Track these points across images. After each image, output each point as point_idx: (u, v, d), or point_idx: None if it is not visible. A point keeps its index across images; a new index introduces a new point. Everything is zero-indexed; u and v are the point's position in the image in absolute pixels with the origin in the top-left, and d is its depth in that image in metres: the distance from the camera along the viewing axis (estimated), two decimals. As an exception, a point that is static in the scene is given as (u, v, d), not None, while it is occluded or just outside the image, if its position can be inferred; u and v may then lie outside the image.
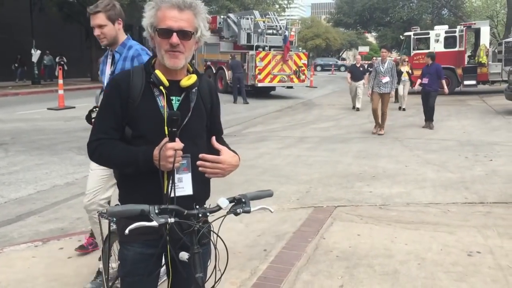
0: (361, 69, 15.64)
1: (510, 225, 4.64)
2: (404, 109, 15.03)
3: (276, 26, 21.25)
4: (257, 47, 19.96)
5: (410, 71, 16.18)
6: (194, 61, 22.62)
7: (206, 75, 23.10)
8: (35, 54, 23.02)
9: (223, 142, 2.07)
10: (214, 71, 21.73)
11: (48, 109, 14.66)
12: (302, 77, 20.39)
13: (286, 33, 19.85)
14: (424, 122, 11.46)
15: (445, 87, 11.47)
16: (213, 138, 1.92)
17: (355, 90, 15.42)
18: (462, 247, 4.10)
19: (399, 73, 14.55)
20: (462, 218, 4.87)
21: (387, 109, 10.48)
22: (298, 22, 26.63)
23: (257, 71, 19.13)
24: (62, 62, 25.05)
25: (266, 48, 20.08)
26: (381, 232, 4.49)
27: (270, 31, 20.91)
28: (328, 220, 4.84)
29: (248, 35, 20.61)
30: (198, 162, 1.85)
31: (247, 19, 20.81)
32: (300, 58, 20.35)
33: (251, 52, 19.53)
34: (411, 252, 4.01)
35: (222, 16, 23.41)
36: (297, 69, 19.92)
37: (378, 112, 10.44)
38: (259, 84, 19.38)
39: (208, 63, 22.25)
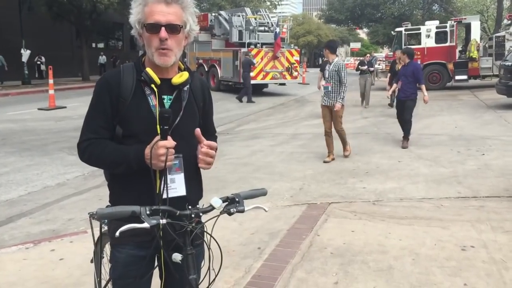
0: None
1: (503, 219, 4.65)
2: None
3: (268, 23, 21.20)
4: (249, 44, 19.90)
5: None
6: (186, 59, 22.52)
7: (198, 73, 22.87)
8: (25, 54, 22.80)
9: (214, 139, 2.04)
10: (206, 69, 21.64)
11: (39, 109, 14.53)
12: (295, 73, 20.39)
13: (277, 29, 19.82)
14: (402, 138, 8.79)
15: (426, 94, 8.59)
16: (198, 130, 1.84)
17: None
18: (455, 241, 4.10)
19: (397, 74, 13.62)
20: (455, 213, 4.88)
21: (340, 126, 7.63)
22: (290, 18, 26.54)
23: (241, 69, 19.03)
24: (38, 62, 24.70)
25: (258, 45, 20.02)
26: (375, 228, 4.49)
27: (262, 28, 20.85)
28: (322, 217, 4.83)
29: (240, 33, 20.52)
30: (203, 150, 1.82)
31: (239, 16, 20.73)
32: (292, 55, 20.33)
33: (243, 50, 19.48)
34: (405, 247, 4.01)
35: (213, 14, 23.31)
36: (290, 66, 19.91)
37: (330, 135, 7.63)
38: (252, 82, 19.25)
39: (200, 61, 22.17)
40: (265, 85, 21.35)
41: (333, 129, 7.65)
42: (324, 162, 7.42)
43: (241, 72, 19.19)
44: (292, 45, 23.96)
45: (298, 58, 20.95)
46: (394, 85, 9.20)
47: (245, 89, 17.60)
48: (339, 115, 7.54)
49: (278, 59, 19.72)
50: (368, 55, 18.77)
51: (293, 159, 7.74)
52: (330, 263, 3.74)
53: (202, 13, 24.63)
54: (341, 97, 7.40)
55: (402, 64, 12.12)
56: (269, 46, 20.03)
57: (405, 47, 12.91)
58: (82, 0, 23.99)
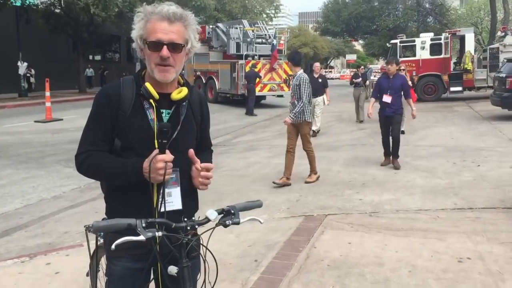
0: (320, 80, 11.94)
1: (499, 230, 4.67)
2: (403, 132, 10.78)
3: (265, 35, 21.29)
4: (247, 56, 19.97)
5: (410, 83, 12.93)
6: (183, 71, 22.54)
7: (196, 85, 22.74)
8: (22, 66, 22.82)
9: (208, 154, 2.06)
10: (204, 81, 21.68)
11: (35, 121, 14.52)
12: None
13: (274, 41, 19.89)
14: (384, 157, 8.12)
15: (414, 108, 8.14)
16: (191, 150, 1.85)
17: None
18: (452, 253, 4.11)
19: None
20: (451, 224, 4.89)
21: (307, 145, 7.00)
22: (287, 30, 26.49)
23: (246, 81, 19.06)
24: (28, 75, 24.53)
25: (256, 57, 20.07)
26: (371, 240, 4.49)
27: (259, 40, 20.91)
28: (319, 229, 4.83)
29: (238, 45, 20.60)
30: (203, 173, 1.84)
31: (236, 28, 20.83)
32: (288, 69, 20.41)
33: (240, 62, 19.54)
34: (401, 259, 4.01)
35: (211, 26, 23.35)
36: (287, 78, 19.96)
37: (292, 154, 6.92)
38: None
39: (198, 73, 22.22)
40: (263, 97, 21.35)
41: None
42: (274, 183, 6.73)
43: (239, 84, 19.18)
44: None
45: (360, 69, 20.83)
46: (373, 100, 8.23)
47: (252, 101, 17.54)
48: (304, 133, 6.88)
49: (276, 71, 19.76)
50: (362, 67, 17.54)
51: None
52: (327, 276, 3.73)
53: (200, 26, 24.79)
54: (294, 112, 6.71)
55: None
56: (266, 58, 20.08)
57: (392, 56, 11.52)
58: (79, 12, 24.13)
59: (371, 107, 8.20)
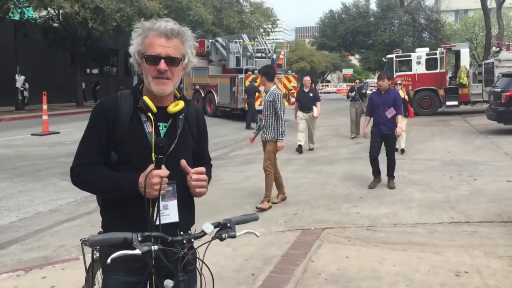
0: (311, 95, 11.46)
1: (496, 244, 4.66)
2: (403, 150, 10.60)
3: (265, 49, 21.32)
4: (246, 70, 19.93)
5: (406, 98, 11.13)
6: (182, 85, 22.50)
7: (194, 99, 22.43)
8: (19, 80, 22.87)
9: (209, 170, 2.07)
10: (203, 95, 21.64)
11: (32, 134, 14.50)
12: (292, 99, 20.43)
13: (274, 56, 19.91)
14: (373, 177, 7.57)
15: (399, 125, 7.54)
16: (183, 161, 1.83)
17: (304, 124, 11.47)
18: (449, 267, 4.10)
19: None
20: (448, 238, 4.89)
21: (268, 165, 6.45)
22: (287, 45, 26.47)
23: (246, 95, 18.90)
24: (22, 88, 24.31)
25: (256, 71, 19.76)
26: (369, 254, 4.48)
27: (259, 55, 20.92)
28: (316, 243, 4.81)
29: (237, 59, 20.60)
30: (194, 177, 1.83)
31: (236, 42, 20.85)
32: (289, 81, 20.32)
33: (240, 76, 19.46)
34: (399, 273, 3.99)
35: (210, 40, 23.39)
36: (287, 92, 19.90)
37: (277, 171, 6.71)
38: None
39: (197, 86, 22.17)
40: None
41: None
42: (257, 208, 6.19)
43: (238, 98, 19.06)
44: (290, 71, 23.99)
45: (295, 84, 20.85)
46: (367, 119, 7.66)
47: (250, 115, 17.23)
48: (270, 149, 6.39)
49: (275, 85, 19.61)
50: (358, 80, 17.11)
51: (287, 185, 7.71)
52: (324, 290, 3.71)
53: (199, 40, 24.82)
54: (281, 133, 6.32)
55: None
56: None
57: (383, 71, 10.43)
58: (77, 26, 24.27)
59: (366, 127, 7.78)
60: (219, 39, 23.11)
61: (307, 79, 12.00)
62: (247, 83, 18.69)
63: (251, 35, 26.80)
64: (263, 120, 6.43)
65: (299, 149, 11.13)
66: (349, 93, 14.81)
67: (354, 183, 7.69)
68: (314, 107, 11.16)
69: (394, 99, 7.38)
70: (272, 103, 6.29)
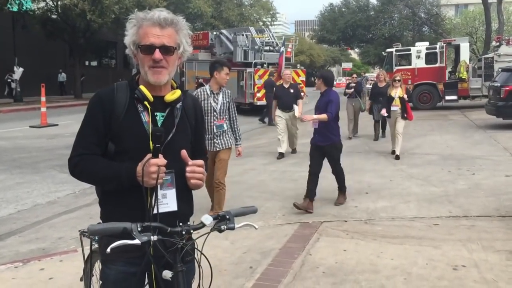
0: (291, 91, 9.74)
1: (494, 238, 4.67)
2: (398, 157, 9.13)
3: (273, 42, 20.62)
4: (255, 64, 19.15)
5: (405, 97, 9.35)
6: (183, 78, 22.12)
7: (191, 91, 22.29)
8: (18, 72, 22.81)
9: (206, 163, 2.06)
10: None
11: (30, 127, 14.47)
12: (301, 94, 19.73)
13: (282, 48, 19.02)
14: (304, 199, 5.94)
15: (315, 117, 5.94)
16: (183, 151, 1.84)
17: (284, 124, 9.74)
18: (447, 261, 4.11)
19: (390, 100, 9.53)
20: (446, 232, 4.90)
21: (222, 177, 5.48)
22: (296, 38, 25.35)
23: (255, 89, 18.24)
24: (9, 80, 23.79)
25: (265, 65, 19.32)
26: (367, 247, 4.49)
27: (267, 48, 20.09)
28: (314, 236, 4.82)
29: (245, 52, 19.89)
30: (188, 169, 1.83)
31: (243, 35, 20.15)
32: (298, 75, 19.43)
33: (248, 70, 18.77)
34: (397, 267, 4.01)
35: (214, 32, 22.77)
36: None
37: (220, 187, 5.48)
38: (258, 103, 18.31)
39: (200, 80, 20.95)
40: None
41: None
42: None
43: (247, 92, 18.36)
44: (299, 65, 23.30)
45: (304, 79, 20.02)
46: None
47: (268, 110, 16.20)
48: (225, 158, 5.43)
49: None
50: (355, 75, 14.95)
51: (285, 178, 7.74)
52: (322, 283, 3.72)
53: (202, 32, 24.21)
54: (240, 136, 5.62)
55: (384, 85, 10.56)
56: (275, 66, 19.16)
57: (320, 71, 7.60)
58: (76, 18, 24.17)
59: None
60: (224, 31, 22.47)
61: (287, 73, 10.35)
62: (266, 77, 17.75)
63: (258, 28, 26.07)
64: (223, 125, 5.39)
65: (280, 156, 9.54)
66: (346, 90, 13.01)
67: (352, 177, 7.68)
68: (295, 105, 8.32)
69: (328, 102, 5.88)
70: (229, 105, 5.43)
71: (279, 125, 9.71)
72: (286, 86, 9.97)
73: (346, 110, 12.53)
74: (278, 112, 9.79)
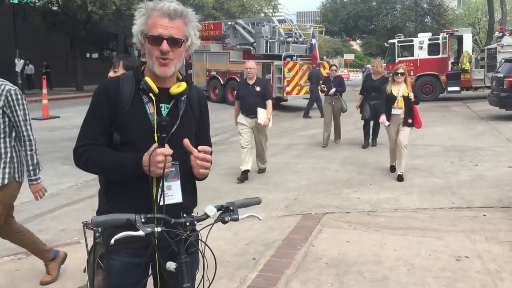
0: (257, 89, 7.01)
1: (497, 229, 4.67)
2: (401, 177, 6.82)
3: (296, 33, 19.18)
4: (285, 57, 17.86)
5: (411, 96, 7.00)
6: (191, 70, 20.76)
7: (210, 86, 20.49)
8: (19, 64, 22.78)
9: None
10: (222, 82, 19.23)
11: (32, 119, 14.34)
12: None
13: (313, 41, 18.27)
14: None
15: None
16: (186, 140, 1.82)
17: (250, 134, 7.18)
18: (450, 252, 4.11)
19: (390, 100, 7.07)
20: (449, 223, 4.89)
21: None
22: (321, 29, 23.93)
23: (285, 83, 17.14)
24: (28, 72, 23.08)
25: (294, 58, 18.19)
26: (369, 239, 4.49)
27: (291, 39, 18.63)
28: (317, 227, 4.82)
29: (268, 43, 18.43)
30: (200, 155, 1.81)
31: (264, 26, 18.70)
32: (324, 68, 17.90)
33: (276, 63, 17.48)
34: (400, 258, 4.00)
35: (229, 23, 21.28)
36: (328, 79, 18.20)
37: None
38: (288, 97, 17.49)
39: (213, 73, 19.77)
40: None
41: None
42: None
43: (274, 87, 17.13)
44: (324, 57, 22.28)
45: (328, 71, 19.43)
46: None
47: (312, 102, 16.02)
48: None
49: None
50: (334, 67, 11.51)
51: (287, 170, 7.74)
52: (325, 274, 3.73)
53: (214, 22, 22.98)
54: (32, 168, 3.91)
55: (379, 77, 9.19)
56: (304, 59, 18.46)
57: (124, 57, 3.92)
58: (76, 10, 24.04)
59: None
60: (240, 21, 20.86)
61: (250, 65, 7.23)
62: (286, 71, 17.10)
63: (278, 18, 24.83)
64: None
65: (243, 177, 7.02)
66: (323, 85, 10.49)
67: (355, 168, 7.69)
68: (259, 108, 6.86)
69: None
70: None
71: (242, 136, 7.14)
72: (251, 82, 7.10)
73: (324, 111, 10.83)
74: (240, 117, 7.19)
